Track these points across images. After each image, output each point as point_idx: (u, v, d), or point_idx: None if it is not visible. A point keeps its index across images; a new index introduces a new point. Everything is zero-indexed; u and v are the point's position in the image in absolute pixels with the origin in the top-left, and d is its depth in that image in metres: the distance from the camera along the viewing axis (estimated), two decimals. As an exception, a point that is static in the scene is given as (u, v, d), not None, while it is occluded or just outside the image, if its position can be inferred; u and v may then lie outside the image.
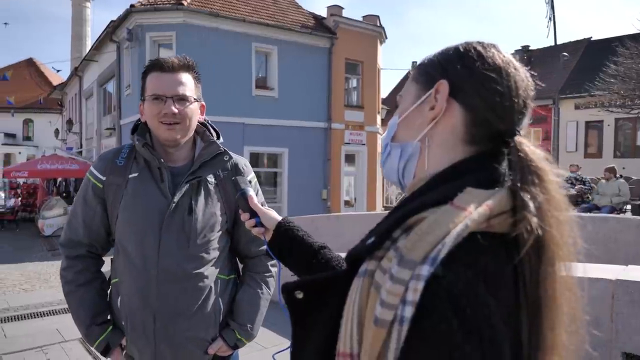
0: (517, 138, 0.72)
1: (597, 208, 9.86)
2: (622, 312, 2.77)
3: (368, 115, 16.90)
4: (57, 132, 25.66)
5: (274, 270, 1.73)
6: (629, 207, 10.36)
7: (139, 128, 1.62)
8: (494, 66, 0.73)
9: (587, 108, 20.04)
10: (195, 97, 1.57)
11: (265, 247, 1.68)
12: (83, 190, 1.61)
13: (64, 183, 20.32)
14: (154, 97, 1.51)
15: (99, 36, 15.90)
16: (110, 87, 16.84)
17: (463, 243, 0.59)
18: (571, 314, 0.67)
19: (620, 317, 2.78)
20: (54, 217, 14.38)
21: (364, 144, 16.83)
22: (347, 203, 16.78)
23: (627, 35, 17.29)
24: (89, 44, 28.89)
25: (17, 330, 5.05)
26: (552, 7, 18.48)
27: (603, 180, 10.23)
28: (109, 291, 1.67)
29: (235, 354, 1.72)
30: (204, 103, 1.64)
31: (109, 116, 16.86)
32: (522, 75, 0.75)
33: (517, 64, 0.76)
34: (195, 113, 1.57)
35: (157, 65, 1.53)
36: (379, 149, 17.79)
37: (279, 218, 1.15)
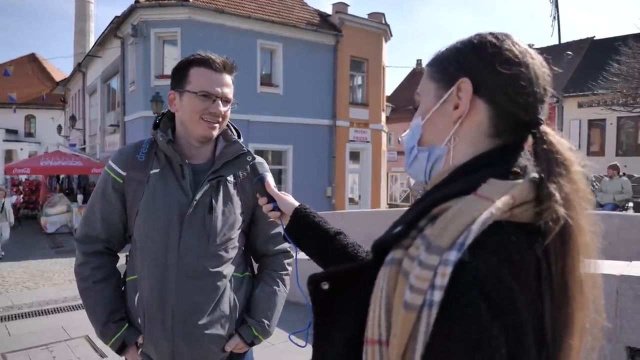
0: (542, 128, 0.72)
1: (600, 205, 9.89)
2: (626, 308, 2.82)
3: (373, 113, 16.85)
4: (59, 128, 25.60)
5: (290, 268, 1.74)
6: (631, 204, 10.37)
7: (161, 123, 1.60)
8: (512, 59, 0.73)
9: (590, 107, 19.98)
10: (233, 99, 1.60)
11: (282, 245, 1.70)
12: (101, 185, 1.59)
13: (66, 180, 20.29)
14: (203, 94, 1.50)
15: (103, 32, 15.86)
16: (114, 83, 16.80)
17: (488, 231, 0.61)
18: (593, 300, 0.70)
19: (624, 312, 2.83)
20: (56, 214, 14.34)
21: (368, 142, 16.79)
22: (351, 200, 16.77)
23: (630, 34, 17.24)
24: (92, 39, 28.86)
25: (21, 328, 5.01)
26: (557, 7, 18.39)
27: (606, 178, 10.25)
28: (123, 288, 1.65)
29: (249, 351, 1.72)
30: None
31: (113, 113, 16.82)
32: (539, 62, 0.75)
33: (533, 52, 0.76)
34: (229, 114, 1.60)
35: (207, 62, 1.51)
36: (383, 147, 17.76)
37: (296, 204, 1.17)
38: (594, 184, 10.77)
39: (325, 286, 0.78)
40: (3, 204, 11.03)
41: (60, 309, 5.52)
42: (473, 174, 0.70)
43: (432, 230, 0.63)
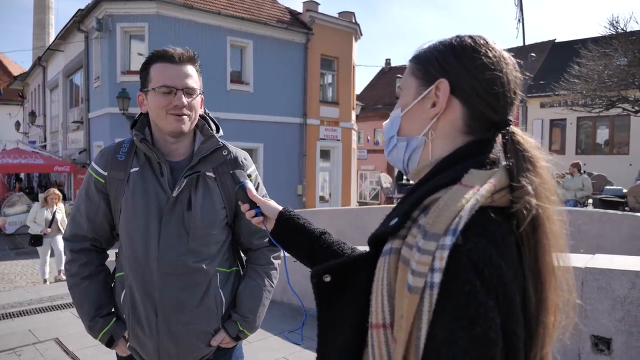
0: (511, 128, 0.80)
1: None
2: (591, 298, 2.98)
3: (343, 112, 16.94)
4: (18, 125, 24.55)
5: (276, 262, 1.76)
6: (590, 201, 10.85)
7: (138, 122, 1.61)
8: (488, 64, 0.79)
9: (552, 107, 20.70)
10: (200, 90, 1.58)
11: (267, 239, 1.71)
12: (85, 186, 1.63)
13: (26, 178, 19.50)
14: (164, 89, 1.49)
15: (66, 25, 15.28)
16: (78, 78, 16.23)
17: (475, 216, 0.68)
18: (565, 282, 0.78)
19: (588, 302, 2.99)
20: (16, 214, 13.75)
21: (339, 140, 16.87)
22: (321, 199, 16.81)
23: (589, 38, 17.92)
24: (52, 33, 27.81)
25: (-15, 332, 4.79)
26: (522, 10, 18.95)
27: (568, 176, 10.66)
28: (112, 285, 1.67)
29: (238, 346, 1.74)
30: (202, 96, 1.64)
31: (76, 109, 16.27)
32: (512, 67, 0.82)
33: (507, 56, 0.82)
34: (199, 105, 1.59)
35: (165, 57, 1.51)
36: (353, 145, 17.88)
37: (280, 208, 1.19)
38: (558, 181, 11.22)
39: (327, 279, 0.84)
40: (54, 213, 7.75)
41: (26, 312, 5.31)
42: (455, 166, 0.77)
43: (426, 220, 0.69)
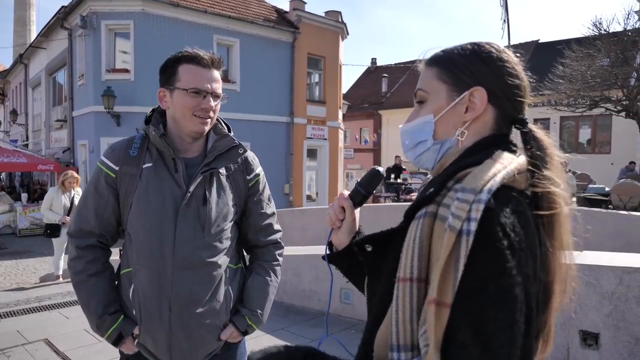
0: (529, 125, 0.89)
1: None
2: (579, 293, 3.03)
3: (330, 111, 16.97)
4: (-2, 123, 24.09)
5: (281, 259, 1.81)
6: (574, 199, 11.08)
7: (153, 119, 1.63)
8: (514, 71, 0.89)
9: (536, 106, 21.01)
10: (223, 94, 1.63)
11: (273, 236, 1.77)
12: (94, 180, 1.61)
13: (8, 177, 19.12)
14: (194, 91, 1.53)
15: (48, 22, 15.04)
16: (61, 76, 15.97)
17: (503, 189, 0.77)
18: (570, 257, 0.88)
19: (577, 297, 3.02)
20: (-2, 213, 13.50)
21: (325, 139, 16.90)
22: (309, 197, 16.83)
23: (572, 38, 18.21)
24: (34, 30, 27.33)
25: (-29, 334, 4.70)
26: (507, 10, 19.18)
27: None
28: (116, 282, 1.66)
29: (243, 341, 1.76)
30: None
31: (59, 107, 15.99)
32: (523, 70, 0.91)
33: (518, 62, 0.92)
34: (219, 108, 1.64)
35: (196, 59, 1.55)
36: (340, 144, 17.93)
37: (354, 231, 1.08)
38: None
39: (369, 248, 0.95)
40: (72, 198, 6.75)
41: (14, 313, 5.22)
42: (483, 150, 0.85)
43: (463, 183, 0.78)
